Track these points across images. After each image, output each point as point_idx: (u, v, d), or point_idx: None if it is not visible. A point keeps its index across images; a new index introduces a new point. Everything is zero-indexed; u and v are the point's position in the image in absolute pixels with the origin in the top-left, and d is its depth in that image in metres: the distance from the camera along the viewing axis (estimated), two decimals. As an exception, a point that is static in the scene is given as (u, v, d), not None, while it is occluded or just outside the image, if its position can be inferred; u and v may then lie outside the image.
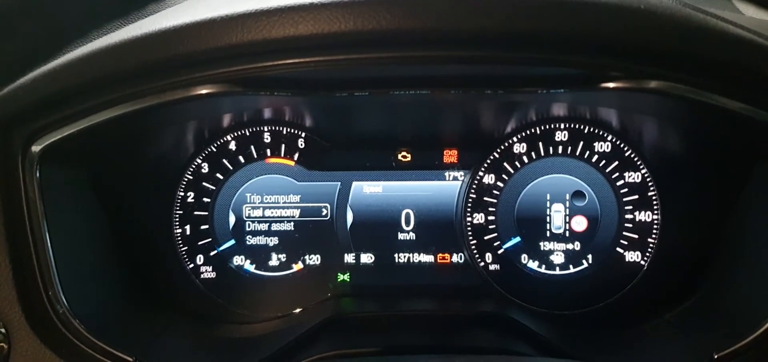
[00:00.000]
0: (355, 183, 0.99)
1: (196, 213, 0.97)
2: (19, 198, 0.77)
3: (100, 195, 0.88)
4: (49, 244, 0.77)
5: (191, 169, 0.97)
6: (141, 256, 0.95)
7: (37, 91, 0.72)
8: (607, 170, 0.97)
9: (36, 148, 0.76)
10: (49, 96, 0.73)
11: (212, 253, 0.98)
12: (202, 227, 0.98)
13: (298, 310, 0.98)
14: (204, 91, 0.70)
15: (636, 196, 0.97)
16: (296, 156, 0.98)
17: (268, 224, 0.99)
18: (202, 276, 0.98)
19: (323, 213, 0.99)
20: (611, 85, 0.70)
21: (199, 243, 0.98)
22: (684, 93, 0.69)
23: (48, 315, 0.78)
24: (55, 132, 0.76)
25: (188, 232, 0.98)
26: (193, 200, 0.97)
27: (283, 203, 0.99)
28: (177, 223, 0.97)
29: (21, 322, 0.78)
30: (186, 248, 0.98)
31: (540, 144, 0.97)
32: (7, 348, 0.77)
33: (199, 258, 0.98)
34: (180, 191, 0.97)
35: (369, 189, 0.99)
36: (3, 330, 0.78)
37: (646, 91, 0.69)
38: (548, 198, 0.98)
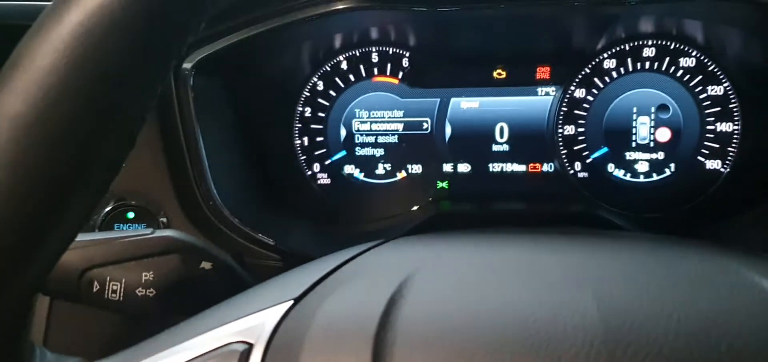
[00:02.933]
0: (453, 100, 1.08)
1: (312, 126, 1.09)
2: (173, 109, 0.90)
3: (234, 108, 1.00)
4: (201, 146, 0.90)
5: (308, 87, 1.08)
6: (269, 163, 1.07)
7: None
8: (691, 84, 1.03)
9: (188, 64, 0.88)
10: None
11: (327, 162, 1.10)
12: (318, 139, 1.09)
13: (400, 213, 1.09)
14: (340, 7, 0.80)
15: (718, 108, 1.03)
16: (400, 74, 1.08)
17: (374, 137, 1.10)
18: (319, 182, 1.10)
19: (424, 127, 1.09)
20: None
21: (316, 153, 1.10)
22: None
23: (200, 206, 0.91)
24: (203, 48, 0.89)
25: (306, 143, 1.09)
26: (309, 115, 1.09)
27: (388, 118, 1.09)
28: (297, 135, 1.09)
29: (178, 213, 0.92)
30: (305, 157, 1.10)
31: (628, 59, 1.04)
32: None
33: (316, 166, 1.10)
34: (299, 106, 1.09)
35: (466, 105, 1.08)
36: (164, 220, 0.92)
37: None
38: (635, 111, 1.05)
